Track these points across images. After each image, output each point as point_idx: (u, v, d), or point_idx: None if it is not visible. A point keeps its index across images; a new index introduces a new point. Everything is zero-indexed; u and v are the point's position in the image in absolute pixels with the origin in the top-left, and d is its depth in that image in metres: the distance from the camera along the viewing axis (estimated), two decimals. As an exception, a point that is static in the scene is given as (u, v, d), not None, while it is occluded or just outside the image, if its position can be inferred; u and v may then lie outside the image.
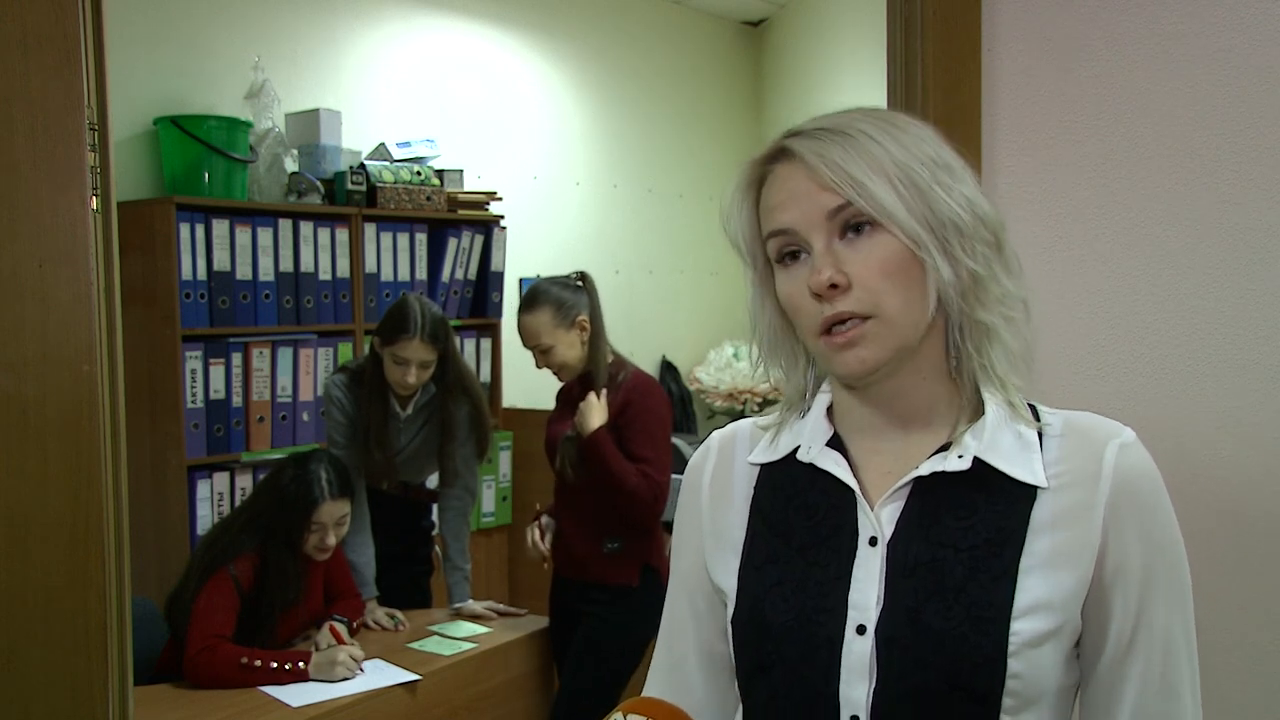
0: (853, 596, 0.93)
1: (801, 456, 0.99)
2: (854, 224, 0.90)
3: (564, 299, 2.70)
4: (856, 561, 0.93)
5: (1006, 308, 0.93)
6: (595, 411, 2.62)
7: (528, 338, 2.73)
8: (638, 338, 4.95)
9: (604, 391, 2.65)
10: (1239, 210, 1.43)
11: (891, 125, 0.92)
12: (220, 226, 3.25)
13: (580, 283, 2.77)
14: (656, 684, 1.10)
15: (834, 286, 0.89)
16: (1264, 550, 1.44)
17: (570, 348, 2.70)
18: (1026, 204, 1.55)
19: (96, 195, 1.44)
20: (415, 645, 2.71)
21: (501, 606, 3.00)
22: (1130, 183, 1.49)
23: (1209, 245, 1.45)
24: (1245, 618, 1.46)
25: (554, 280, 2.77)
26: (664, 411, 2.72)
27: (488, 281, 4.05)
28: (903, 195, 0.89)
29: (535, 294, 2.73)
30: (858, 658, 0.91)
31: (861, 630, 0.92)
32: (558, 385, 2.86)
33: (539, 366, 2.77)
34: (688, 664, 1.08)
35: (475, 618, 2.92)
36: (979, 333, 0.93)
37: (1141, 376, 1.50)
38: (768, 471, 1.02)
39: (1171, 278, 1.47)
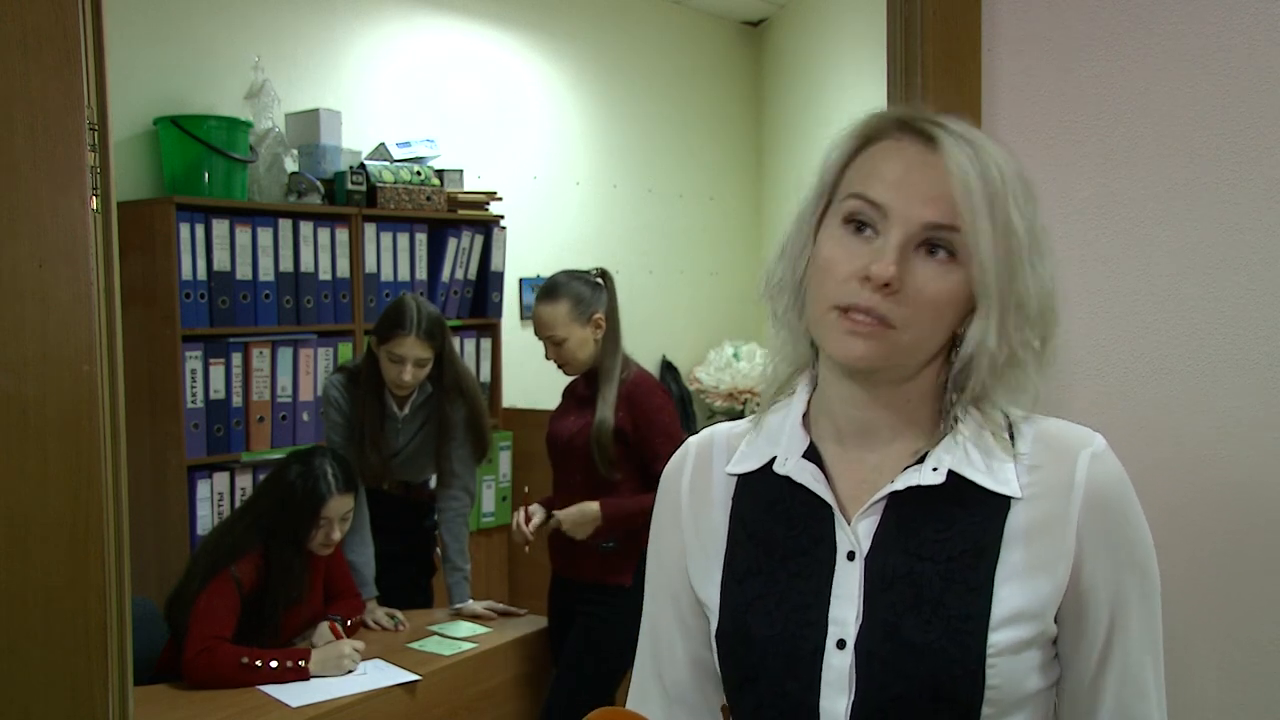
0: (833, 611, 0.93)
1: (778, 469, 0.98)
2: (936, 245, 0.89)
3: (583, 294, 2.70)
4: (835, 576, 0.94)
5: (1018, 395, 0.94)
6: (585, 523, 2.64)
7: (542, 327, 2.73)
8: (638, 338, 4.90)
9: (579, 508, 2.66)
10: (1239, 210, 1.43)
11: (1019, 180, 0.91)
12: (220, 226, 3.25)
13: (600, 279, 2.77)
14: (645, 691, 1.09)
15: (887, 285, 0.87)
16: (1264, 549, 1.44)
17: (583, 344, 2.70)
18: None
19: (96, 195, 1.44)
20: (415, 645, 2.71)
21: (501, 606, 3.00)
22: (1130, 183, 1.49)
23: (1209, 245, 1.45)
24: (1245, 617, 1.46)
25: (574, 274, 2.77)
26: (670, 410, 2.74)
27: (488, 281, 4.05)
28: (999, 252, 0.88)
29: (555, 285, 2.73)
30: (837, 672, 0.92)
31: (841, 645, 0.92)
32: (558, 386, 2.86)
33: (548, 358, 2.77)
34: (678, 672, 1.07)
35: (475, 618, 2.92)
36: (981, 395, 0.93)
37: (1141, 376, 1.50)
38: (746, 481, 1.02)
39: (1171, 278, 1.47)
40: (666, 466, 1.10)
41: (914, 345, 0.90)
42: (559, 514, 2.69)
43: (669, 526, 1.07)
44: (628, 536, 2.69)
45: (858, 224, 0.91)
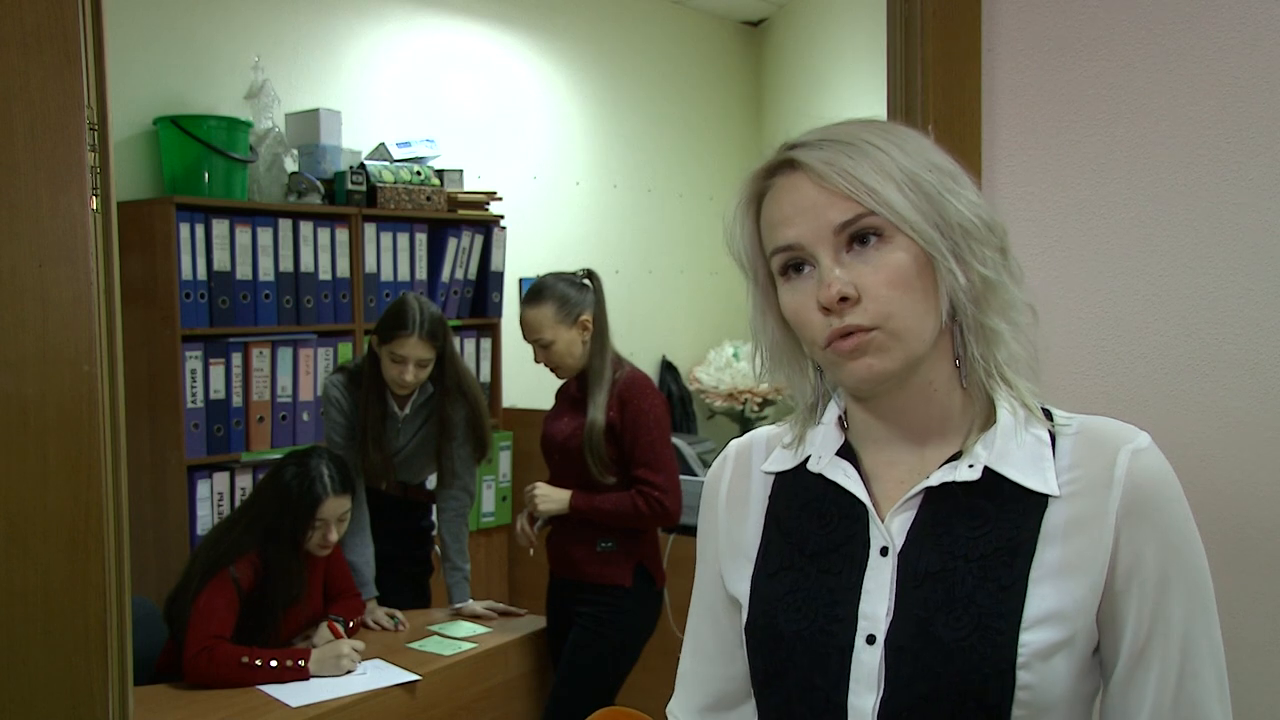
0: (863, 607, 0.92)
1: (812, 467, 0.99)
2: (860, 236, 0.89)
3: (569, 296, 2.69)
4: (868, 572, 0.93)
5: (1016, 312, 0.93)
6: (553, 501, 2.70)
7: (528, 331, 2.72)
8: (638, 338, 4.94)
9: (542, 488, 2.73)
10: (1239, 210, 1.43)
11: (891, 133, 0.92)
12: (220, 226, 3.25)
13: (587, 280, 2.77)
14: (683, 685, 1.12)
15: (844, 300, 0.88)
16: (1264, 550, 1.44)
17: (571, 346, 2.69)
18: (1026, 204, 1.55)
19: (96, 195, 1.44)
20: (415, 645, 2.71)
21: (501, 606, 3.00)
22: (1130, 183, 1.49)
23: (1209, 245, 1.45)
24: (1245, 617, 1.46)
25: (560, 276, 2.76)
26: (660, 411, 2.71)
27: (488, 281, 4.05)
28: (913, 200, 0.89)
29: (541, 288, 2.72)
30: (866, 668, 0.91)
31: (871, 640, 0.91)
32: (557, 385, 2.86)
33: (537, 361, 2.77)
34: (711, 668, 1.09)
35: (475, 618, 2.92)
36: (986, 338, 0.93)
37: (1141, 376, 1.50)
38: (783, 480, 1.03)
39: (1172, 277, 1.47)
40: (709, 472, 1.11)
41: (906, 329, 0.89)
42: (539, 485, 2.74)
43: (708, 529, 1.09)
44: (626, 537, 2.69)
45: (794, 267, 0.92)
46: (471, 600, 2.98)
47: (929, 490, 0.93)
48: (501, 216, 4.10)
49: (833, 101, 4.99)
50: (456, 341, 3.22)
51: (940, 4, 1.55)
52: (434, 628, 2.85)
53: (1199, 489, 1.45)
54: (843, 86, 4.92)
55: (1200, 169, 1.45)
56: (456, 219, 3.93)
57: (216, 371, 3.27)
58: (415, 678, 2.50)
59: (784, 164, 0.93)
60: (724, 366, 5.07)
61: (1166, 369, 1.48)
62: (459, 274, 3.97)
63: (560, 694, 2.69)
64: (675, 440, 2.82)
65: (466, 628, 2.85)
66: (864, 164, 0.89)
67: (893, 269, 0.89)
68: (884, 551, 0.93)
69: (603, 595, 2.69)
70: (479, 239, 4.02)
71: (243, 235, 3.31)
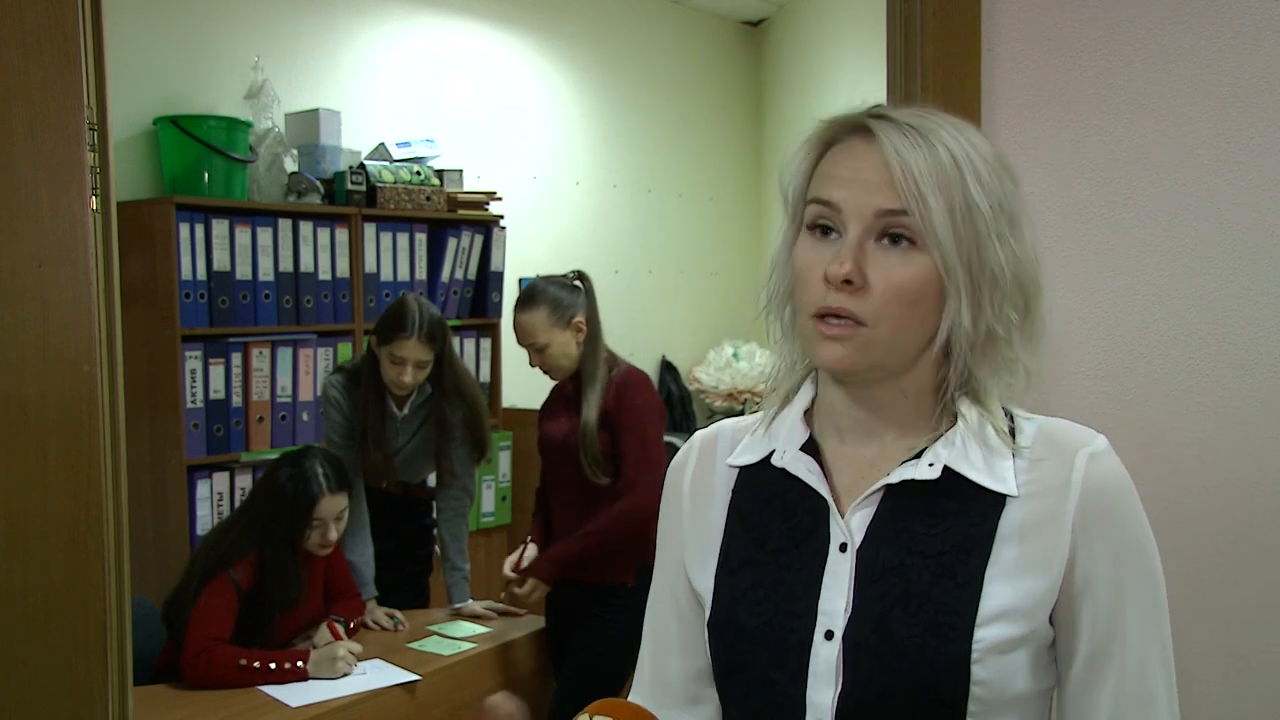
0: (822, 603, 0.93)
1: (776, 461, 0.99)
2: (895, 233, 0.89)
3: (561, 299, 2.70)
4: (827, 567, 0.94)
5: (1009, 374, 0.93)
6: (538, 589, 2.72)
7: (522, 335, 2.73)
8: (638, 338, 4.94)
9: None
10: (1240, 210, 1.43)
11: (975, 151, 0.90)
12: (220, 226, 3.25)
13: (578, 282, 2.77)
14: (643, 681, 1.11)
15: (848, 282, 0.88)
16: (1263, 550, 1.44)
17: (565, 349, 2.70)
18: (1026, 204, 1.55)
19: (96, 195, 1.44)
20: (415, 645, 2.71)
21: (501, 606, 2.99)
22: (1130, 183, 1.49)
23: (1210, 245, 1.45)
24: (1245, 617, 1.46)
25: (551, 279, 2.77)
26: (654, 408, 2.71)
27: (487, 281, 4.05)
28: (958, 230, 0.88)
29: (533, 292, 2.73)
30: (824, 663, 0.92)
31: (830, 635, 0.92)
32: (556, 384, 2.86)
33: (532, 364, 2.77)
34: (674, 662, 1.09)
35: (475, 618, 2.92)
36: (972, 385, 0.93)
37: (1141, 376, 1.50)
38: (746, 474, 1.03)
39: (1171, 277, 1.47)
40: (673, 461, 1.10)
41: (891, 340, 0.90)
42: (512, 580, 2.75)
43: (671, 521, 1.09)
44: (630, 536, 2.69)
45: (822, 228, 0.92)
46: (471, 600, 2.98)
47: (889, 487, 0.94)
48: (501, 216, 4.10)
49: (832, 102, 4.94)
50: (456, 342, 3.23)
51: (940, 4, 1.55)
52: (434, 628, 2.85)
53: (1199, 489, 1.45)
54: (843, 86, 4.92)
55: (1200, 168, 1.45)
56: (456, 219, 3.93)
57: (216, 371, 3.27)
58: (415, 678, 2.50)
59: (863, 128, 0.92)
60: (724, 366, 5.07)
61: (1166, 369, 1.48)
62: (459, 274, 3.97)
63: (565, 693, 2.70)
64: (674, 440, 2.81)
65: (466, 628, 2.85)
66: (930, 171, 0.88)
67: (907, 279, 0.89)
68: (843, 548, 0.94)
69: (606, 594, 2.69)
70: (479, 239, 4.02)
71: (242, 235, 3.31)
